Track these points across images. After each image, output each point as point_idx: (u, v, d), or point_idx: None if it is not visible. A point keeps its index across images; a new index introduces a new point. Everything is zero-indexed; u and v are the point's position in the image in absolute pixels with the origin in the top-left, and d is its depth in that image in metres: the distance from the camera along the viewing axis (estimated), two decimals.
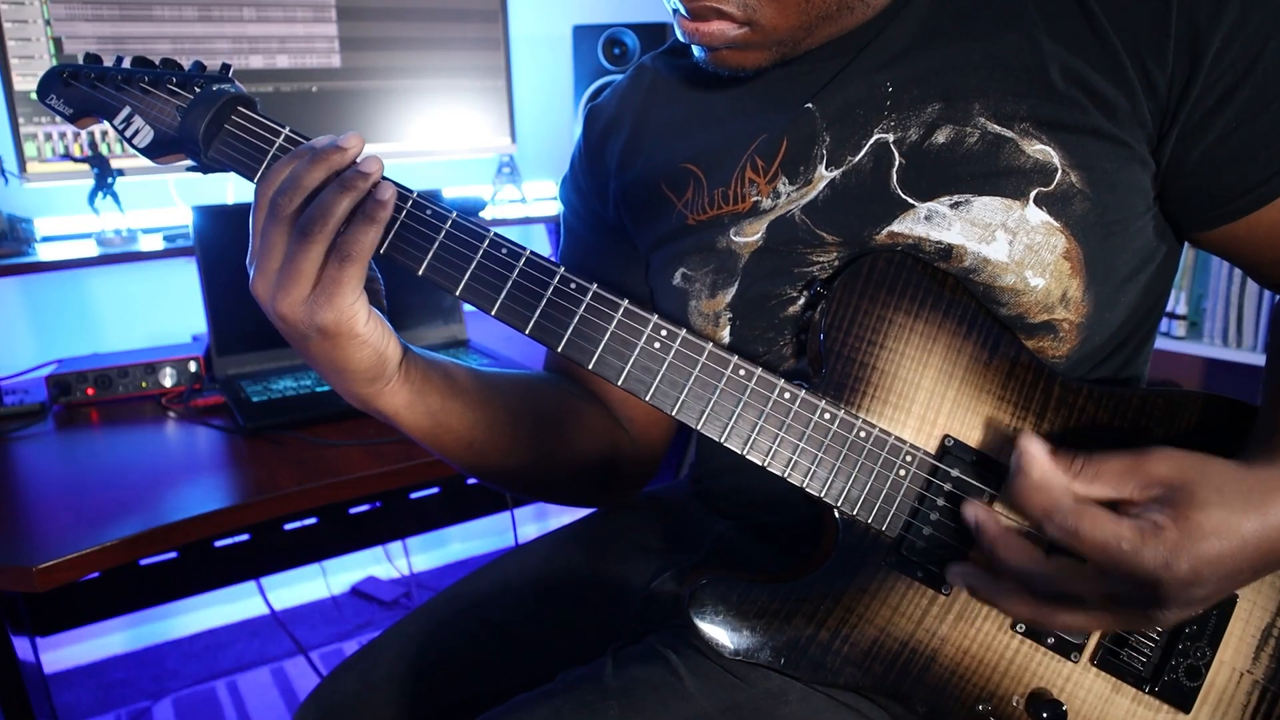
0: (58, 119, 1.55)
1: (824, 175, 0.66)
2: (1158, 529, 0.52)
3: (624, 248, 0.81)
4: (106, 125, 0.67)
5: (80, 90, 0.66)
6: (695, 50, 0.67)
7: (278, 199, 0.58)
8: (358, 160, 0.59)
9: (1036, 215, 0.61)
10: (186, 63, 0.67)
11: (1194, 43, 0.58)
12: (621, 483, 0.86)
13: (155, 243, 1.65)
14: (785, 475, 0.62)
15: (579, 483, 0.83)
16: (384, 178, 0.60)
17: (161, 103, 0.64)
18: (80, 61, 0.67)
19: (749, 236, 0.69)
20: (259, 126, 0.63)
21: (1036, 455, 0.55)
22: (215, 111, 0.62)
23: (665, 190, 0.74)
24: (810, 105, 0.67)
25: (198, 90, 0.64)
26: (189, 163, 0.65)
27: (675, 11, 0.65)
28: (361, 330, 0.60)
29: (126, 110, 0.65)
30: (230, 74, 0.66)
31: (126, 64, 0.66)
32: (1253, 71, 0.58)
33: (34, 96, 1.53)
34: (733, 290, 0.70)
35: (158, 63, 0.67)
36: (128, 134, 0.65)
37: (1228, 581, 0.53)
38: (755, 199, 0.69)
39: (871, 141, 0.65)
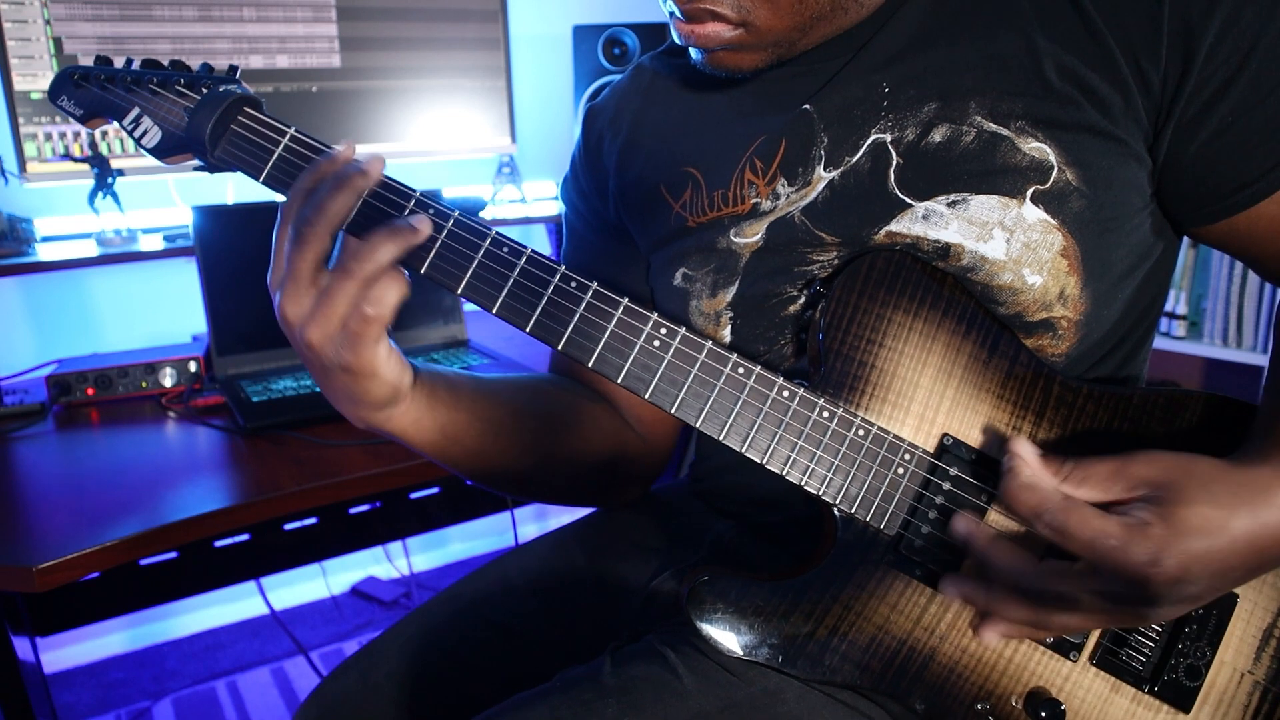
0: (58, 118, 1.56)
1: (822, 176, 0.66)
2: (1144, 525, 0.52)
3: (626, 247, 0.81)
4: (110, 125, 0.67)
5: (90, 91, 0.67)
6: (692, 52, 0.67)
7: (303, 226, 0.58)
8: (411, 217, 0.59)
9: (1033, 213, 0.61)
10: (190, 63, 0.67)
11: (1187, 39, 0.58)
12: (629, 481, 0.86)
13: (155, 243, 1.66)
14: (784, 473, 0.62)
15: (587, 483, 0.83)
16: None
17: (169, 104, 0.65)
18: (86, 63, 0.67)
19: (749, 237, 0.69)
20: (265, 127, 0.63)
21: (1025, 457, 0.57)
22: (222, 112, 0.63)
23: (664, 192, 0.74)
24: (808, 106, 0.67)
25: (205, 91, 0.64)
26: (196, 162, 0.66)
27: (671, 14, 0.65)
28: (381, 369, 0.61)
29: (135, 111, 0.65)
30: (238, 75, 0.66)
31: (136, 66, 0.67)
32: (1247, 66, 0.58)
33: (35, 96, 1.54)
34: (733, 290, 0.70)
35: (166, 64, 0.67)
36: (136, 134, 0.65)
37: (1220, 579, 0.53)
38: (755, 201, 0.69)
39: (869, 142, 0.65)
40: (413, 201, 0.61)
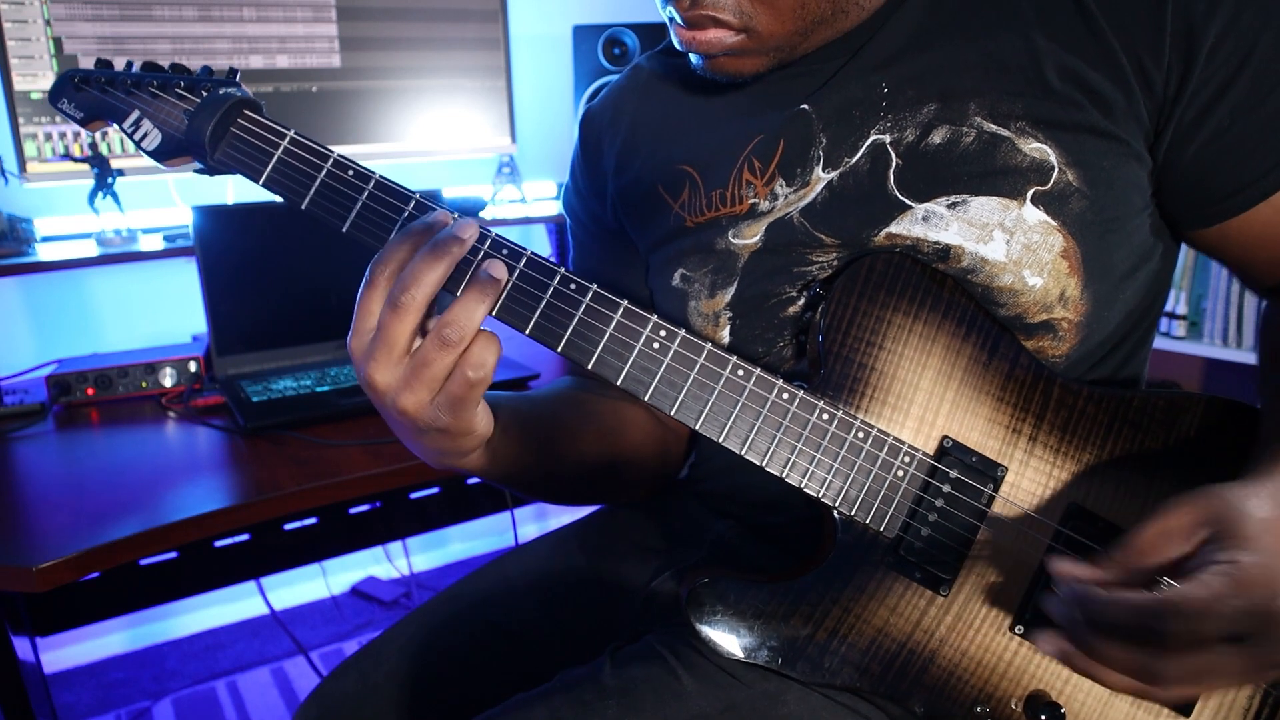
0: (58, 119, 1.56)
1: (821, 177, 0.66)
2: (1235, 567, 0.48)
3: (627, 251, 0.81)
4: (110, 126, 0.67)
5: (91, 94, 0.67)
6: (692, 58, 0.67)
7: (400, 295, 0.54)
8: (487, 264, 0.57)
9: (1034, 214, 0.61)
10: (189, 63, 0.67)
11: (1189, 39, 0.58)
12: (666, 471, 0.87)
13: (155, 243, 1.65)
14: (783, 475, 0.62)
15: (632, 478, 0.84)
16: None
17: (169, 106, 0.65)
18: (86, 63, 0.67)
19: (748, 239, 0.69)
20: (264, 129, 0.63)
21: (1080, 576, 0.52)
22: (222, 115, 0.63)
23: (662, 192, 0.74)
24: (806, 106, 0.67)
25: (205, 94, 0.64)
26: (196, 165, 0.66)
27: (671, 20, 0.65)
28: (478, 427, 0.60)
29: (135, 114, 0.65)
30: (237, 78, 0.66)
31: (136, 68, 0.67)
32: (1245, 67, 0.58)
33: (35, 96, 1.54)
34: (732, 290, 0.70)
35: (166, 67, 0.67)
36: (136, 137, 0.66)
37: None
38: (752, 201, 0.69)
39: (868, 142, 0.65)
40: (412, 204, 0.61)
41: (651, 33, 1.95)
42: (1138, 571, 0.52)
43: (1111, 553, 0.53)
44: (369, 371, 0.56)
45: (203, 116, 0.63)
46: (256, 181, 0.63)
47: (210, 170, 0.65)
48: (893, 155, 0.64)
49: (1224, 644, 0.48)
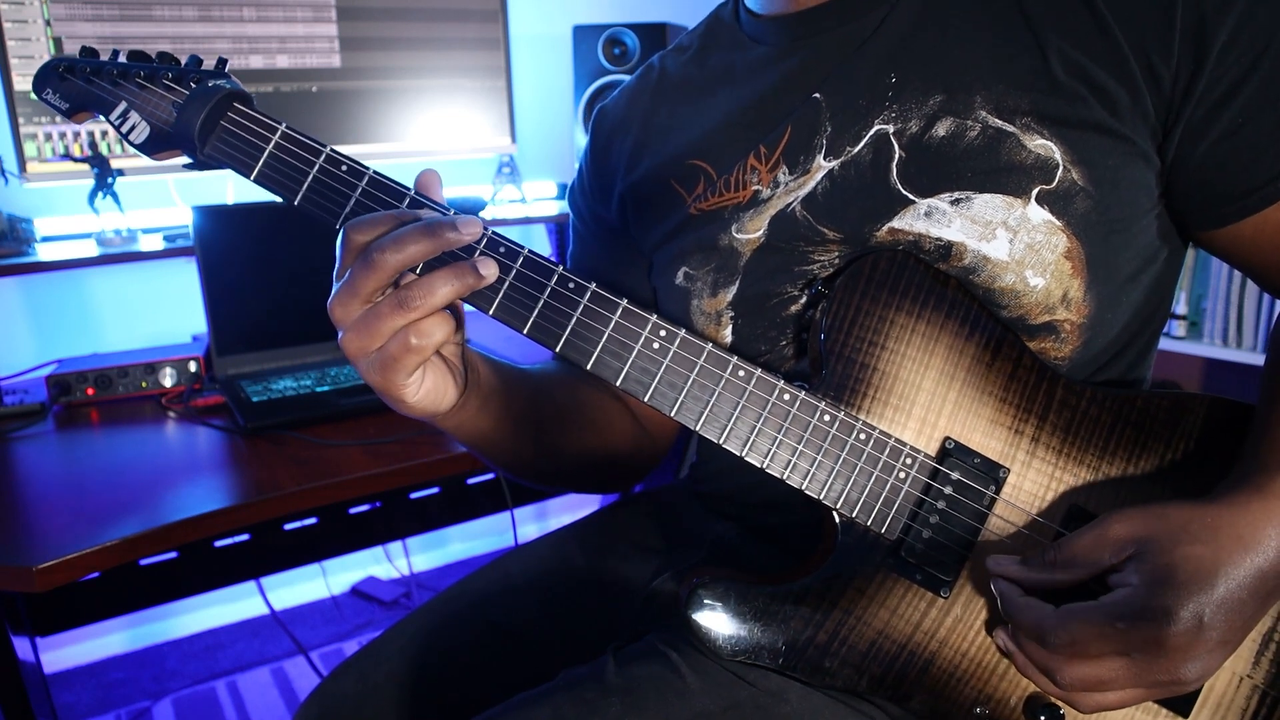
0: (58, 118, 1.56)
1: (822, 165, 0.66)
2: (1142, 590, 0.52)
3: (627, 251, 0.81)
4: (104, 122, 0.66)
5: (76, 85, 0.64)
6: None
7: (375, 251, 0.55)
8: (479, 259, 0.57)
9: (1038, 214, 0.61)
10: (184, 59, 0.66)
11: (1200, 35, 0.58)
12: (634, 472, 0.87)
13: (155, 243, 1.65)
14: (784, 477, 0.62)
15: (602, 474, 0.85)
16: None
17: (157, 98, 0.63)
18: (76, 55, 0.66)
19: (751, 233, 0.69)
20: (255, 123, 0.61)
21: (1007, 576, 0.59)
22: (211, 108, 0.61)
23: (675, 186, 0.74)
24: (817, 95, 0.67)
25: (193, 86, 0.62)
26: (186, 159, 0.64)
27: None
28: (409, 400, 0.60)
29: (122, 106, 0.63)
30: (226, 69, 0.64)
31: (122, 58, 0.65)
32: (1259, 65, 0.57)
33: (33, 96, 1.54)
34: (734, 289, 0.70)
35: (154, 57, 0.65)
36: (124, 130, 0.63)
37: (1238, 619, 0.52)
38: (755, 188, 0.68)
39: (872, 132, 0.65)
40: (406, 201, 0.60)
41: (651, 33, 1.94)
42: (1065, 573, 0.56)
43: (1045, 552, 0.57)
44: (331, 302, 0.58)
45: (191, 109, 0.61)
46: (247, 177, 0.61)
47: (200, 165, 0.63)
48: (895, 147, 0.64)
49: (1116, 659, 0.53)
